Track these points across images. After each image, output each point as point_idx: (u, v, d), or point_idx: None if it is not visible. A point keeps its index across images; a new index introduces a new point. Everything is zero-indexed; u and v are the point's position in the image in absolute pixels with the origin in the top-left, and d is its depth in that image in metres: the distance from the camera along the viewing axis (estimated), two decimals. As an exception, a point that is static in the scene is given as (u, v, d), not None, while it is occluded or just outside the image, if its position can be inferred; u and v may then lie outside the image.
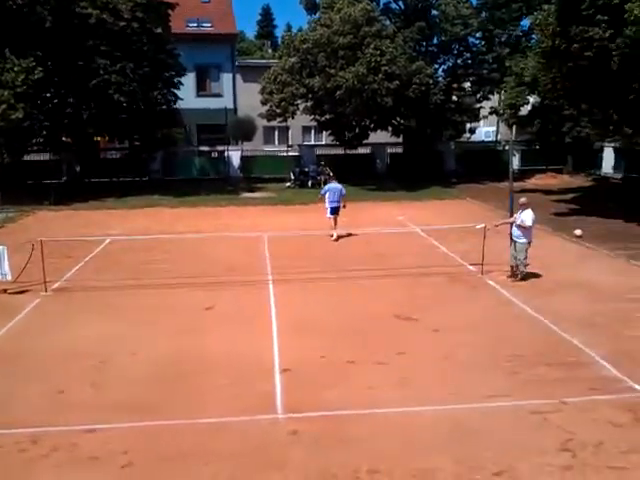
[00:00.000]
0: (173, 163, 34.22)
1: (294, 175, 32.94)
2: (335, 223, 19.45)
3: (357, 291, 13.57)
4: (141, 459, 7.14)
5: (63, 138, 30.86)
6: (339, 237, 19.13)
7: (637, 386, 8.73)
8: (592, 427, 7.71)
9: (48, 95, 28.47)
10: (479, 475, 6.75)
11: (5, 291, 13.52)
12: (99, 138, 34.37)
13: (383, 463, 6.98)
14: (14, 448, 7.39)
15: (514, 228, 14.06)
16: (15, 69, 25.22)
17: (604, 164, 34.98)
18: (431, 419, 8.04)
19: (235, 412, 8.17)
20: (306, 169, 33.22)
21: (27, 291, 13.60)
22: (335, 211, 19.54)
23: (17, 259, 14.03)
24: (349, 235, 19.43)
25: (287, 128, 39.48)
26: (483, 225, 14.84)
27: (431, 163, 34.96)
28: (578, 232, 18.51)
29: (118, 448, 7.35)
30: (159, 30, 30.00)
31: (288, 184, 32.49)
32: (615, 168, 34.03)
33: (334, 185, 19.99)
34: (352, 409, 8.22)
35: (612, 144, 33.91)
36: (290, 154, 37.29)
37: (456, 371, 9.43)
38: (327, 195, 19.70)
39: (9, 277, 13.58)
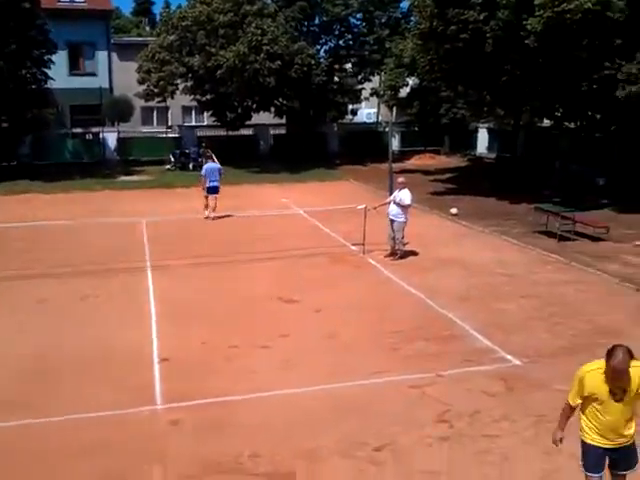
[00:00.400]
0: (44, 146, 32.17)
1: (174, 157, 32.05)
2: (214, 203, 19.29)
3: (239, 275, 13.40)
4: (8, 460, 6.67)
5: None
6: (216, 218, 19.06)
7: (509, 356, 9.15)
8: (467, 398, 7.99)
9: None
10: (361, 451, 6.83)
11: None
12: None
13: (266, 447, 6.91)
14: None
15: (392, 207, 14.33)
16: None
17: (479, 144, 36.50)
18: (314, 399, 8.05)
19: (112, 405, 7.81)
20: (187, 151, 32.40)
21: None
22: (214, 190, 19.35)
23: None
24: (228, 217, 19.22)
25: (166, 108, 38.22)
26: (364, 206, 15.06)
27: (314, 145, 35.09)
28: (454, 210, 19.25)
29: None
30: (27, 5, 28.07)
31: (168, 166, 31.60)
32: (489, 148, 35.60)
33: (212, 165, 19.78)
34: (235, 395, 8.08)
35: (486, 125, 35.44)
36: (170, 135, 36.19)
37: (338, 350, 9.50)
38: (206, 175, 19.42)
39: None
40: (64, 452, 6.87)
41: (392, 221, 14.33)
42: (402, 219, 14.23)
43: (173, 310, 11.15)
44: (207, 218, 19.02)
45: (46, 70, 29.68)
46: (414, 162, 34.01)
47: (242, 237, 16.76)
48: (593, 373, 5.13)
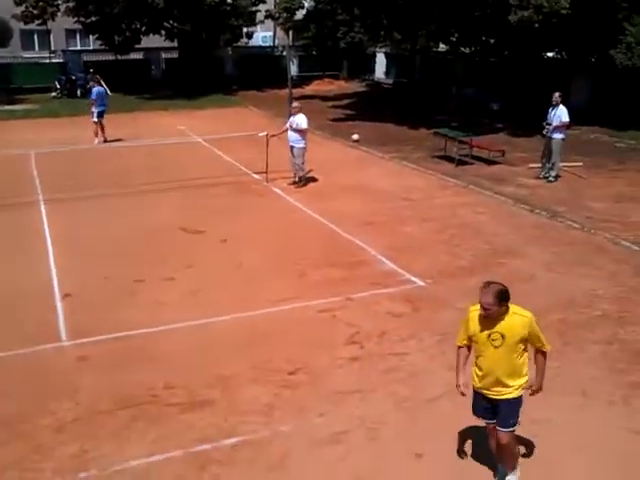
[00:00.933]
0: None
1: (60, 84, 30.13)
2: (102, 128, 18.92)
3: (139, 206, 12.97)
4: None
5: None
6: (107, 140, 18.91)
7: (414, 278, 9.43)
8: (375, 319, 8.22)
9: None
10: (275, 376, 6.91)
11: None
12: None
13: (179, 377, 6.87)
14: None
15: (290, 133, 14.21)
16: None
17: (377, 69, 36.48)
18: (225, 329, 8.03)
19: (15, 344, 7.48)
20: (73, 77, 30.52)
21: None
22: (102, 114, 18.99)
23: None
24: (123, 145, 18.47)
25: (48, 32, 35.66)
26: (265, 133, 14.82)
27: (209, 69, 33.88)
28: (355, 137, 19.31)
29: None
30: None
31: (54, 94, 29.71)
32: (387, 73, 35.67)
33: (100, 88, 19.29)
34: (143, 328, 7.92)
35: (383, 50, 35.38)
36: (54, 61, 33.92)
37: (246, 279, 9.47)
38: (97, 99, 18.88)
39: None
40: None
41: (292, 147, 14.24)
42: (301, 145, 14.17)
43: (71, 245, 10.70)
44: (104, 142, 18.78)
45: None
46: (313, 87, 33.67)
47: (139, 167, 16.17)
48: (475, 313, 4.92)
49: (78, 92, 29.42)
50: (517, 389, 4.95)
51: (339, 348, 7.54)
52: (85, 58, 33.47)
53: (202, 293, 8.97)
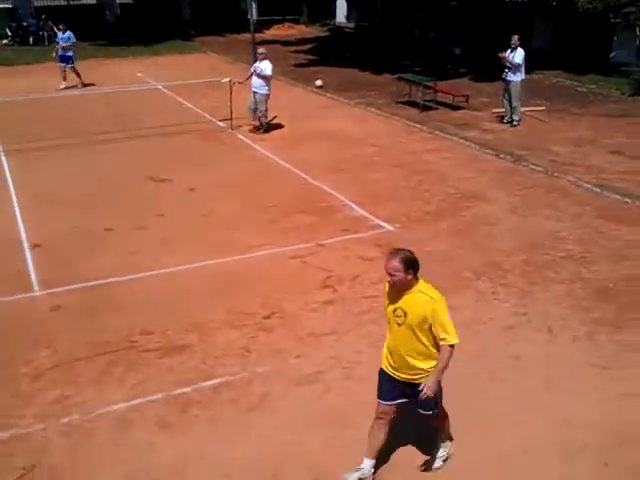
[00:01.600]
0: None
1: (11, 31, 28.97)
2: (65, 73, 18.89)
3: (103, 155, 12.73)
4: None
5: None
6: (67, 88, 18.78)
7: (382, 223, 9.55)
8: (347, 264, 8.35)
9: None
10: (250, 320, 7.03)
11: None
12: None
13: (155, 324, 6.94)
14: None
15: (254, 79, 14.02)
16: None
17: (338, 13, 35.82)
18: (198, 276, 8.08)
19: (-16, 296, 7.44)
20: (24, 24, 29.36)
21: None
22: (66, 59, 18.80)
23: None
24: (82, 94, 18.00)
25: (-5, -25, 34.07)
26: (229, 79, 14.58)
27: (166, 14, 32.89)
28: (319, 82, 19.11)
29: None
30: None
31: (5, 41, 28.56)
32: (348, 17, 35.07)
33: (64, 34, 18.89)
34: (116, 277, 7.93)
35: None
36: (2, 6, 32.49)
37: (216, 228, 9.49)
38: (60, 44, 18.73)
39: None
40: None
41: (255, 93, 14.06)
42: (264, 91, 13.99)
43: (36, 196, 10.52)
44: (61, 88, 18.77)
45: None
46: (273, 32, 32.99)
47: (100, 116, 15.77)
48: (387, 286, 4.62)
49: (30, 40, 28.36)
50: (420, 371, 4.53)
51: (312, 292, 7.67)
52: (36, 4, 32.10)
53: (173, 241, 8.97)
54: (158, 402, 5.76)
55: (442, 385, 4.63)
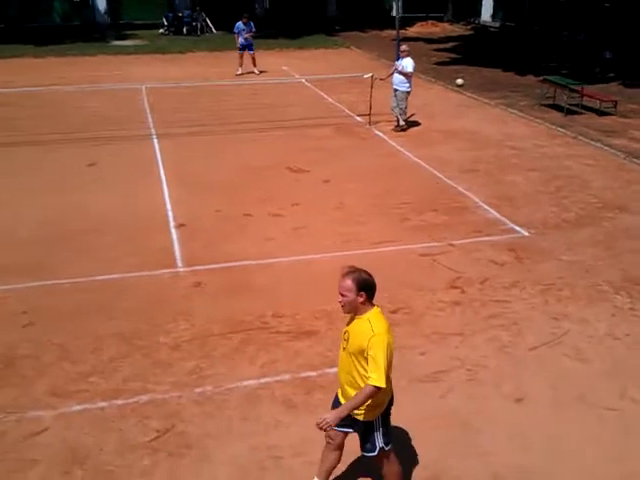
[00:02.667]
0: (32, 7, 30.77)
1: (167, 21, 30.76)
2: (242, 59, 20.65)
3: (246, 144, 13.32)
4: (42, 318, 6.97)
5: None
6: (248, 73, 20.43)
7: (517, 227, 9.36)
8: (477, 266, 8.27)
9: None
10: (378, 314, 7.13)
11: None
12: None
13: (286, 307, 7.22)
14: None
15: (395, 76, 14.09)
16: None
17: (483, 12, 35.12)
18: (327, 265, 8.23)
19: (133, 268, 8.04)
20: (180, 14, 31.08)
21: None
22: (245, 47, 20.62)
23: None
24: (251, 72, 18.82)
25: (157, -33, 36.25)
26: (370, 75, 14.76)
27: (312, 8, 33.68)
28: (459, 81, 18.79)
29: (16, 309, 7.12)
30: None
31: (161, 30, 30.39)
32: (494, 16, 34.30)
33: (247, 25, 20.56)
34: (252, 260, 8.32)
35: (491, -10, 33.99)
36: (162, -3, 34.55)
37: (348, 220, 9.66)
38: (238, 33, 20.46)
39: None
40: (93, 311, 7.14)
41: (395, 90, 14.14)
42: (405, 88, 14.03)
43: (183, 178, 11.19)
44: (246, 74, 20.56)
45: None
46: (416, 29, 32.81)
47: (245, 105, 16.45)
48: None
49: (184, 29, 29.97)
50: (368, 411, 4.17)
51: (440, 291, 7.67)
52: (192, -5, 33.86)
53: (306, 230, 9.27)
54: (285, 383, 6.02)
55: (391, 428, 4.41)
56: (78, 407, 5.66)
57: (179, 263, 8.24)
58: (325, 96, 17.66)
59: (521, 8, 27.95)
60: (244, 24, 20.48)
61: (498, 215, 9.80)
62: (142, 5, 32.83)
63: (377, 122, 14.64)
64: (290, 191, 10.74)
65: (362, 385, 4.03)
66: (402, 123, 14.28)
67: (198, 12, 30.78)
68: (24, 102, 16.35)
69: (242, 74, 20.44)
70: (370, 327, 3.99)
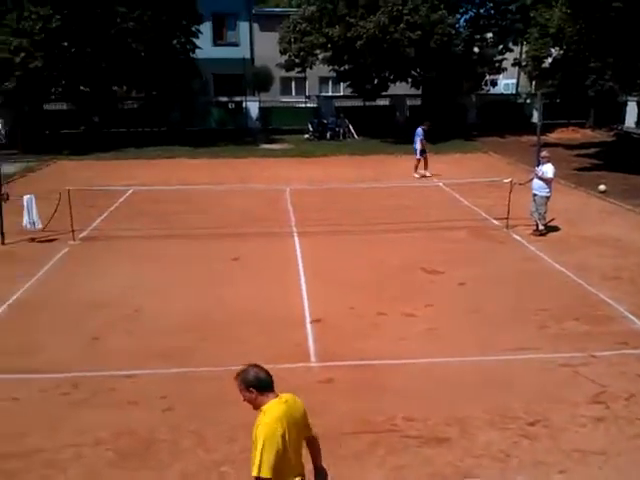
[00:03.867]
0: (191, 114, 33.97)
1: (312, 127, 32.67)
2: (424, 163, 21.76)
3: (382, 243, 13.59)
4: (181, 404, 7.31)
5: (81, 87, 30.51)
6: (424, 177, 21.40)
7: (667, 341, 8.78)
8: (623, 380, 7.78)
9: (66, 44, 27.89)
10: (513, 424, 6.86)
11: (34, 240, 13.65)
12: (117, 88, 34.07)
13: (417, 411, 7.11)
14: (56, 391, 7.59)
15: (535, 181, 14.07)
16: (33, 17, 24.97)
17: (627, 119, 34.37)
18: (461, 370, 8.14)
19: (269, 360, 8.13)
20: (324, 121, 32.92)
21: (55, 240, 13.74)
22: (422, 152, 21.67)
23: (42, 208, 14.05)
24: (423, 175, 19.44)
25: (304, 79, 38.97)
26: (510, 179, 14.79)
27: (452, 115, 34.50)
28: (602, 187, 18.38)
29: (157, 393, 7.52)
30: (176, -23, 29.46)
31: (307, 136, 32.27)
32: (638, 123, 33.44)
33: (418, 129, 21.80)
34: (384, 359, 8.33)
35: (636, 98, 33.28)
36: (308, 105, 36.91)
37: (484, 324, 9.50)
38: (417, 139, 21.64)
39: (39, 225, 13.69)
40: (229, 400, 7.38)
41: (535, 195, 14.03)
42: (544, 193, 13.90)
43: (320, 275, 11.55)
44: (423, 177, 21.52)
45: (193, 40, 31.04)
46: (556, 135, 32.60)
47: (383, 206, 16.88)
48: None
49: (328, 135, 31.63)
50: None
51: (582, 405, 7.27)
52: (336, 104, 35.93)
53: (440, 332, 9.19)
54: (413, 490, 5.87)
55: None
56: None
57: (312, 358, 8.41)
58: (462, 199, 17.78)
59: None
60: (424, 130, 21.59)
61: (645, 327, 9.25)
62: (290, 113, 35.26)
63: (515, 226, 14.48)
64: (424, 292, 10.76)
65: None
66: (541, 228, 14.05)
67: (342, 119, 32.47)
68: (178, 199, 17.77)
69: (425, 176, 21.42)
70: (260, 418, 4.05)
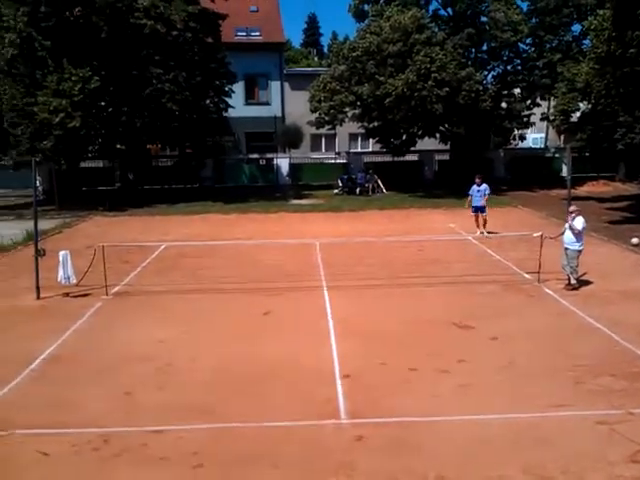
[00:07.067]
0: (223, 171, 34.74)
1: (342, 182, 33.08)
2: (482, 220, 20.76)
3: (413, 297, 13.55)
4: (212, 460, 7.27)
5: (117, 146, 31.48)
6: (487, 233, 20.38)
7: None
8: (662, 440, 7.56)
9: (103, 104, 29.03)
10: (549, 484, 6.69)
11: (68, 294, 13.91)
12: (151, 146, 35.06)
13: (450, 470, 6.97)
14: (87, 447, 7.60)
15: (566, 234, 13.97)
16: (72, 79, 26.01)
17: (658, 172, 34.19)
18: (495, 427, 7.98)
19: (299, 416, 8.24)
20: (354, 176, 33.33)
21: (89, 295, 13.98)
22: (478, 209, 20.88)
23: (77, 263, 14.36)
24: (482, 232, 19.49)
25: (334, 135, 39.71)
26: (540, 233, 14.72)
27: (480, 170, 34.50)
28: (635, 240, 18.14)
29: (188, 449, 7.50)
30: (210, 39, 30.55)
31: (336, 191, 32.64)
32: (670, 176, 33.25)
33: (480, 186, 21.12)
34: (416, 416, 8.21)
35: (667, 151, 33.12)
36: (337, 161, 37.47)
37: (518, 380, 9.34)
38: (472, 195, 21.19)
39: (73, 280, 13.96)
40: (260, 458, 7.34)
41: (566, 249, 13.93)
42: (576, 247, 13.79)
43: (350, 329, 11.52)
44: (482, 234, 20.34)
45: (226, 99, 31.94)
46: (586, 189, 32.52)
47: (412, 261, 16.92)
48: None
49: (357, 190, 31.94)
50: None
51: (619, 465, 7.05)
52: (365, 159, 36.43)
53: (474, 388, 9.04)
54: None
55: None
56: None
57: (342, 415, 8.31)
58: (492, 253, 17.71)
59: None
60: (478, 185, 21.09)
61: (685, 384, 9.00)
62: (320, 169, 35.82)
63: (547, 280, 14.35)
64: (456, 347, 10.65)
65: None
66: (573, 282, 13.90)
67: (371, 174, 32.82)
68: (209, 253, 18.00)
69: (482, 233, 20.39)
70: None
